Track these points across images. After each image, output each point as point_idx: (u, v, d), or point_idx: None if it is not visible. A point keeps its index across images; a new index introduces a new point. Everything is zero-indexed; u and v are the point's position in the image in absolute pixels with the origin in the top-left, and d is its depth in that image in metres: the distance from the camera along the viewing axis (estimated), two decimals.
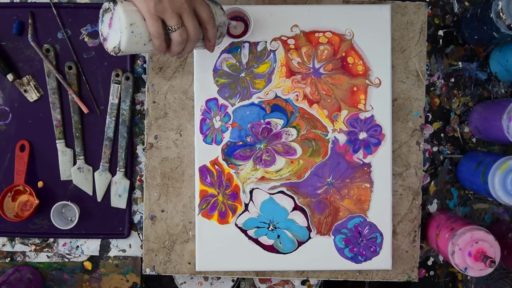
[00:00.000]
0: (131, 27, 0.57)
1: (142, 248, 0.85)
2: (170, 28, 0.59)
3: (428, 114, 0.85)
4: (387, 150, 0.81)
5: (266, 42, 0.80)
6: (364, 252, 0.81)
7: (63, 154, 0.84)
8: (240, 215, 0.81)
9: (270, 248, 0.81)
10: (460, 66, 0.85)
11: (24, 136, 0.84)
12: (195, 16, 0.61)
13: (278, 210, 0.81)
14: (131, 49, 0.59)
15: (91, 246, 0.86)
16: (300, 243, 0.81)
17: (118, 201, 0.85)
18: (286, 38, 0.80)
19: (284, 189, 0.81)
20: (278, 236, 0.81)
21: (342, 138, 0.81)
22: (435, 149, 0.85)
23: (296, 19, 0.80)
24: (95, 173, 0.84)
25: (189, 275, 0.85)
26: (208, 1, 0.66)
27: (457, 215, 0.84)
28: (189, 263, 0.83)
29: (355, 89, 0.81)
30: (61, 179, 0.84)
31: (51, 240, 0.86)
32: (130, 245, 0.86)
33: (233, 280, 0.87)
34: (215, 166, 0.81)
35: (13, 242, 0.86)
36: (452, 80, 0.85)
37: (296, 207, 0.81)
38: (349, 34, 0.80)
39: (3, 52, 0.83)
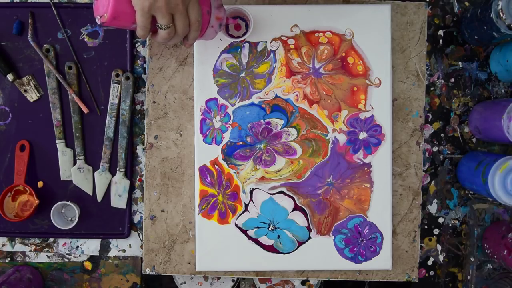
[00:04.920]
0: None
1: (142, 248, 0.85)
2: (160, 26, 0.59)
3: (428, 114, 0.85)
4: (387, 150, 0.81)
5: (266, 42, 0.80)
6: (364, 252, 0.81)
7: (63, 154, 0.84)
8: (240, 215, 0.81)
9: (270, 248, 0.81)
10: (460, 66, 0.85)
11: (24, 136, 0.84)
12: (187, 15, 0.60)
13: (278, 210, 0.81)
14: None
15: (91, 246, 0.86)
16: (300, 243, 0.81)
17: (118, 201, 0.85)
18: (286, 38, 0.80)
19: (284, 189, 0.81)
20: (278, 236, 0.81)
21: (342, 138, 0.81)
22: (435, 149, 0.85)
23: (296, 19, 0.80)
24: (95, 173, 0.84)
25: (189, 275, 0.85)
26: None
27: None
28: (189, 263, 0.83)
29: (355, 89, 0.81)
30: (61, 179, 0.84)
31: (51, 240, 0.86)
32: (130, 245, 0.86)
33: (233, 280, 0.87)
34: (215, 166, 0.81)
35: (13, 242, 0.86)
36: (452, 80, 0.85)
37: (296, 207, 0.81)
38: (349, 34, 0.80)
39: (3, 52, 0.83)
